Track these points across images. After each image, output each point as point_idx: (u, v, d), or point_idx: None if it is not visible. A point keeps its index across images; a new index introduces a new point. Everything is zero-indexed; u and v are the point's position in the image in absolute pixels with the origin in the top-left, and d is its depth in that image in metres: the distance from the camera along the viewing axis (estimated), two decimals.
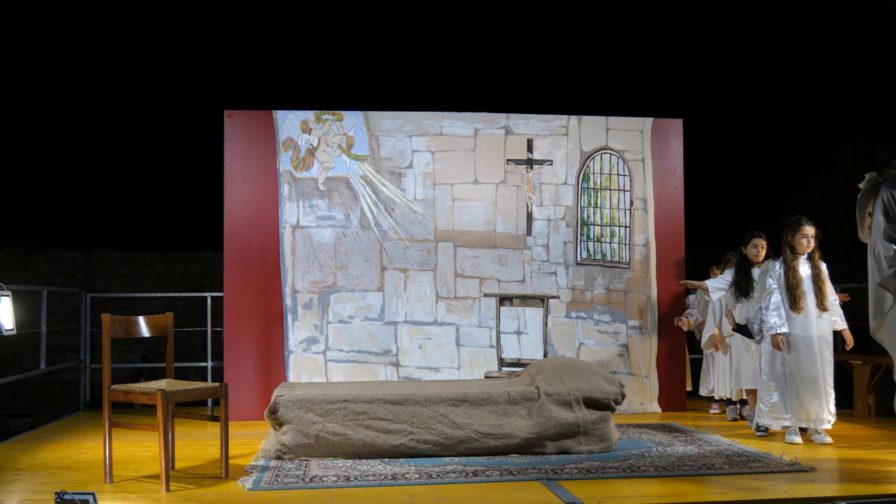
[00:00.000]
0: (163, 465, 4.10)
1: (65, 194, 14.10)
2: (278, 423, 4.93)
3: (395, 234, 6.78)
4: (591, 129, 7.03)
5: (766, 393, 5.52)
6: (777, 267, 5.54)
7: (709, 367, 6.75)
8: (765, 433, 5.64)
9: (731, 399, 6.51)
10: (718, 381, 6.55)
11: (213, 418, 4.59)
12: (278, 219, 6.72)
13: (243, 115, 6.78)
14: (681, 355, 7.06)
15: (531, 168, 6.94)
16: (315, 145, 6.77)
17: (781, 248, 5.58)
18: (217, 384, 4.49)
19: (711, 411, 6.83)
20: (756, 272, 5.99)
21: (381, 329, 6.72)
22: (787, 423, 5.44)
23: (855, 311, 6.37)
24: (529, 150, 6.95)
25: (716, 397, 6.68)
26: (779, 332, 5.40)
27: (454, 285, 6.80)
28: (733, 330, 6.18)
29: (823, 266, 5.53)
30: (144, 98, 13.91)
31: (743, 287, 5.98)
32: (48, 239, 13.00)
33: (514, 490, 4.09)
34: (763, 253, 6.02)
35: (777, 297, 5.46)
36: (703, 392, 6.83)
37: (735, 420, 6.42)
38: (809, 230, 5.47)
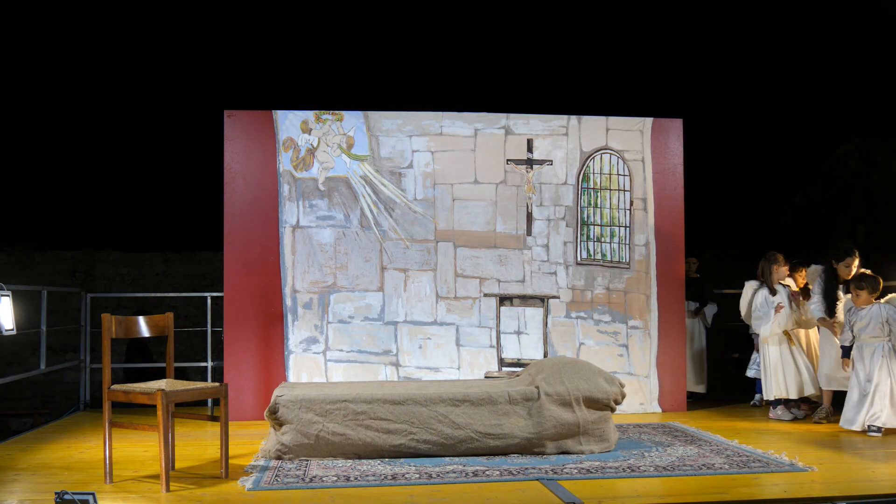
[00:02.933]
0: (163, 465, 4.10)
1: (65, 194, 14.09)
2: (278, 423, 4.93)
3: (395, 234, 6.78)
4: (591, 129, 7.02)
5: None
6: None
7: (775, 364, 6.47)
8: (878, 432, 5.63)
9: (787, 398, 6.37)
10: (783, 378, 6.40)
11: (213, 418, 4.59)
12: (278, 219, 6.72)
13: (243, 115, 6.78)
14: (681, 355, 7.06)
15: (531, 168, 6.94)
16: (315, 145, 6.77)
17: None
18: (217, 384, 4.49)
19: (752, 403, 7.03)
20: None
21: (381, 329, 6.72)
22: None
23: None
24: (529, 150, 6.95)
25: (774, 396, 6.41)
26: None
27: (454, 285, 6.80)
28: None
29: None
30: (144, 98, 13.91)
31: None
32: (48, 239, 12.99)
33: (514, 490, 4.09)
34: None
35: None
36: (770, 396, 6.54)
37: (795, 420, 6.32)
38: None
